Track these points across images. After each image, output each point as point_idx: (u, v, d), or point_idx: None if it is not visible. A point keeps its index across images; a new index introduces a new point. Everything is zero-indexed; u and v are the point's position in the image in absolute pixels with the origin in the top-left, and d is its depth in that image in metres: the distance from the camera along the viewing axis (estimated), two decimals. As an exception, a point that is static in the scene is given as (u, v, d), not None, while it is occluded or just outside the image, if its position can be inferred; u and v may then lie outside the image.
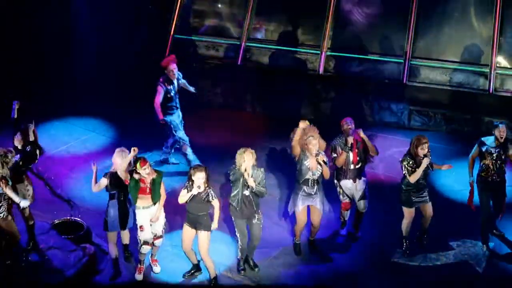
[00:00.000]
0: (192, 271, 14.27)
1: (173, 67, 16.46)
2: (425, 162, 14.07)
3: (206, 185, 13.56)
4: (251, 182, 13.57)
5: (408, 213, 14.62)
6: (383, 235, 15.34)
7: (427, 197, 14.56)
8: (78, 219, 15.11)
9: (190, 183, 13.51)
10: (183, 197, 13.57)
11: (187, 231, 13.83)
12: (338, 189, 14.88)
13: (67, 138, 18.37)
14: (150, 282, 14.04)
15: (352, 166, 14.61)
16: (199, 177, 13.48)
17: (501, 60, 18.93)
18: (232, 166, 13.81)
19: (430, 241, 15.06)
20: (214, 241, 14.05)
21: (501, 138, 14.39)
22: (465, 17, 19.47)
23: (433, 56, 19.42)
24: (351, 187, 14.76)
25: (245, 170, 13.56)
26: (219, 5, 20.78)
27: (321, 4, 19.81)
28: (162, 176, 14.02)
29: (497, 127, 14.43)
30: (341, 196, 14.92)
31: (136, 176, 13.80)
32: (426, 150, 14.12)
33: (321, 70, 19.60)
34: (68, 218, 15.24)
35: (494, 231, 15.03)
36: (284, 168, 16.65)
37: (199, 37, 20.36)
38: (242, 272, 14.35)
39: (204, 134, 18.51)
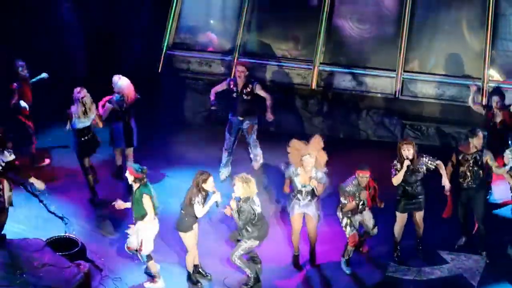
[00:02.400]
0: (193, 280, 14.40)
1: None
2: (405, 164, 14.25)
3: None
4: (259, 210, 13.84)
5: (399, 218, 14.83)
6: (380, 249, 15.37)
7: (420, 205, 14.72)
8: (73, 236, 15.09)
9: (201, 193, 13.64)
10: (201, 211, 13.74)
11: (189, 236, 14.02)
12: (344, 221, 14.55)
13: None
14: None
15: (361, 207, 14.56)
16: (211, 184, 13.62)
17: (493, 73, 18.97)
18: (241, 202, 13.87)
19: (424, 254, 15.14)
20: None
21: (479, 145, 14.58)
22: (456, 31, 19.51)
23: (426, 70, 19.45)
24: (358, 218, 14.67)
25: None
26: (212, 21, 20.78)
27: (314, 19, 19.82)
28: (149, 190, 13.75)
29: (476, 135, 14.53)
30: (348, 228, 14.52)
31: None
32: (410, 152, 14.28)
33: (313, 85, 19.59)
34: (63, 235, 15.24)
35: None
36: (276, 181, 16.65)
37: (192, 53, 20.32)
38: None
39: (201, 149, 18.63)
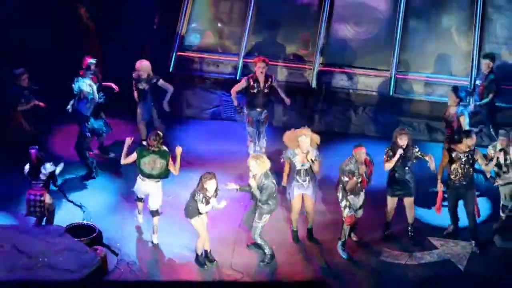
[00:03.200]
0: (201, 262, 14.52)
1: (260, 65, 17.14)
2: (399, 152, 14.54)
3: (216, 193, 13.96)
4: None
5: (389, 201, 15.06)
6: (374, 236, 15.46)
7: (410, 191, 14.89)
8: (90, 223, 15.18)
9: (204, 193, 13.83)
10: (204, 209, 13.96)
11: (199, 223, 14.21)
12: (344, 203, 14.61)
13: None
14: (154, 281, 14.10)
15: (359, 185, 14.69)
16: (212, 185, 13.74)
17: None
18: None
19: (415, 240, 15.24)
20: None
21: (472, 145, 14.69)
22: (446, 34, 19.56)
23: (418, 70, 19.47)
24: (355, 200, 14.80)
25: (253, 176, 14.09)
26: (219, 24, 20.80)
27: (314, 22, 19.86)
28: (168, 154, 15.02)
29: (470, 136, 14.67)
30: (347, 210, 14.60)
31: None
32: (405, 141, 14.57)
33: (313, 84, 19.64)
34: (81, 221, 15.34)
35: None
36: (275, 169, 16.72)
37: (200, 53, 20.36)
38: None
39: (209, 143, 18.66)
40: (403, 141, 14.62)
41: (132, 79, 17.78)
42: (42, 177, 14.65)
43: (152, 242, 15.14)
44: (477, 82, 17.84)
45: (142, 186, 15.06)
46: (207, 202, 13.87)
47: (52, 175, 14.75)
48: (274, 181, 14.20)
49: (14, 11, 19.97)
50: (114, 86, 17.89)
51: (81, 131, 16.83)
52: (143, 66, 17.69)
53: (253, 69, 17.80)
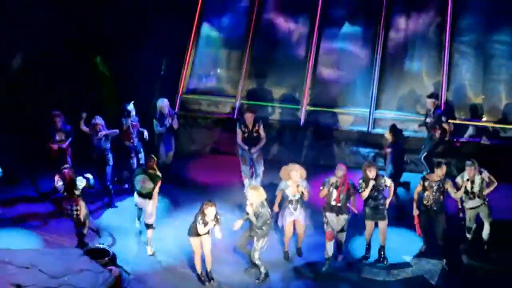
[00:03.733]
0: (201, 279, 14.54)
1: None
2: (371, 183, 14.63)
3: (216, 218, 13.98)
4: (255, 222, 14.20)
5: (367, 225, 15.12)
6: (358, 254, 15.51)
7: (383, 216, 14.94)
8: (105, 246, 15.20)
9: (203, 217, 13.88)
10: (202, 231, 13.99)
11: (195, 242, 14.27)
12: (324, 218, 14.92)
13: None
14: None
15: (334, 203, 14.76)
16: (211, 212, 13.80)
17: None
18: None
19: (393, 259, 15.21)
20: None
21: (442, 175, 14.77)
22: (418, 77, 19.71)
23: (393, 108, 19.56)
24: (333, 220, 14.86)
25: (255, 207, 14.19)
26: (218, 70, 20.94)
27: (301, 68, 20.02)
28: (156, 176, 15.29)
29: (440, 166, 14.81)
30: (325, 225, 14.90)
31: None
32: (373, 172, 14.67)
33: (301, 122, 19.76)
34: (97, 245, 15.35)
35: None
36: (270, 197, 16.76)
37: (202, 96, 20.46)
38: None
39: (209, 173, 18.74)
40: (372, 173, 14.75)
41: (156, 115, 17.96)
42: (77, 192, 14.93)
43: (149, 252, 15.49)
44: (427, 119, 17.86)
45: (137, 199, 15.52)
46: (205, 225, 13.91)
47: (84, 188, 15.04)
48: (269, 210, 14.31)
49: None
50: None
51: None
52: (165, 103, 17.95)
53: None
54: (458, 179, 15.31)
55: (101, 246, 15.20)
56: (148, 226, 15.42)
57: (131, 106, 17.55)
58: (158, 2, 20.52)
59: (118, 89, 20.68)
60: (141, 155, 17.76)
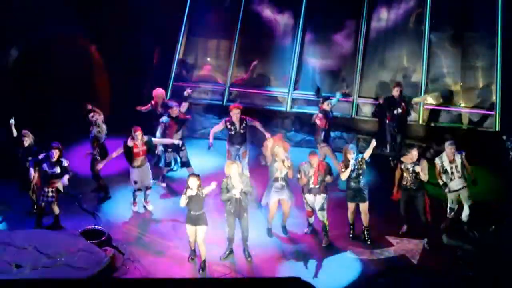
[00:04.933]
0: (191, 256, 14.43)
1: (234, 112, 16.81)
2: (351, 164, 14.63)
3: (199, 188, 13.76)
4: (240, 186, 14.00)
5: (349, 206, 15.10)
6: (343, 235, 15.40)
7: (364, 197, 14.90)
8: (101, 228, 15.11)
9: (185, 190, 13.67)
10: (183, 200, 13.76)
11: (190, 229, 14.05)
12: (304, 200, 14.98)
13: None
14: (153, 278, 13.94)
15: (312, 186, 14.75)
16: (193, 182, 13.64)
17: (428, 98, 19.00)
18: (224, 179, 14.12)
19: (376, 239, 15.15)
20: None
21: (414, 157, 14.76)
22: (399, 65, 19.62)
23: (375, 95, 19.47)
24: (312, 200, 14.88)
25: (233, 181, 14.05)
26: (208, 59, 20.82)
27: (287, 57, 19.91)
28: (151, 140, 15.75)
29: (410, 149, 14.88)
30: (305, 205, 15.03)
31: (130, 143, 15.39)
32: (352, 155, 14.65)
33: (288, 108, 19.62)
34: (93, 226, 15.25)
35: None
36: (258, 181, 16.73)
37: (192, 84, 20.32)
38: (222, 259, 14.51)
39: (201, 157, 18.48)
40: (351, 154, 14.69)
41: (151, 107, 17.77)
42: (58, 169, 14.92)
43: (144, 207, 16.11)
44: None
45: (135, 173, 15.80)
46: (186, 195, 13.71)
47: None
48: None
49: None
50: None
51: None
52: (160, 93, 17.76)
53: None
54: (437, 160, 15.22)
55: (96, 227, 15.14)
56: (148, 188, 15.96)
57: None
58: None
59: (111, 79, 20.57)
60: None
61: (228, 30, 20.52)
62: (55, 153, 14.85)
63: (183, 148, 16.99)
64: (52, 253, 13.60)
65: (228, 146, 16.96)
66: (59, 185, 15.05)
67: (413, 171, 14.73)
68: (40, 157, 14.97)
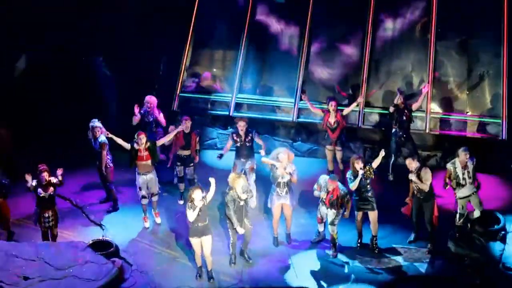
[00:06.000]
0: (199, 273, 14.40)
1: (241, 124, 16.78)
2: (360, 173, 14.72)
3: (203, 198, 13.86)
4: (244, 197, 14.20)
5: (357, 215, 15.19)
6: (350, 243, 15.47)
7: (372, 206, 14.99)
8: (108, 239, 15.15)
9: (192, 202, 13.67)
10: (192, 215, 13.79)
11: (196, 243, 14.08)
12: (318, 208, 15.14)
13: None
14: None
15: (324, 201, 14.89)
16: (198, 194, 13.66)
17: (434, 107, 19.04)
18: (227, 190, 14.33)
19: (383, 248, 15.20)
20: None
21: (413, 167, 14.86)
22: (405, 74, 19.60)
23: (381, 105, 19.47)
24: (324, 211, 15.01)
25: (238, 192, 14.19)
26: (214, 70, 20.86)
27: (294, 66, 19.91)
28: (155, 144, 15.71)
29: (407, 159, 15.03)
30: (317, 212, 15.17)
31: (135, 146, 15.46)
32: (361, 164, 14.76)
33: (294, 118, 19.65)
34: (101, 238, 15.30)
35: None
36: (262, 187, 16.83)
37: (199, 94, 20.37)
38: (233, 265, 14.65)
39: (206, 170, 18.49)
40: (359, 164, 14.76)
41: (143, 112, 17.84)
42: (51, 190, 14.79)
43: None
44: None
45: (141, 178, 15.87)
46: (193, 209, 13.76)
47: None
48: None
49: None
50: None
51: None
52: (153, 100, 17.87)
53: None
54: (449, 166, 15.25)
55: (104, 238, 15.18)
56: (154, 195, 15.97)
57: None
58: (156, 4, 20.38)
59: (118, 90, 20.64)
60: None
61: (234, 41, 20.55)
62: (45, 176, 14.63)
63: (191, 165, 16.96)
64: (60, 265, 13.66)
65: (235, 158, 16.96)
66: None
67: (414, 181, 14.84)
68: (29, 186, 14.63)
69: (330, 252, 15.08)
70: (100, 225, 16.07)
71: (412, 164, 14.82)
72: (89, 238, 15.16)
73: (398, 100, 17.56)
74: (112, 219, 16.44)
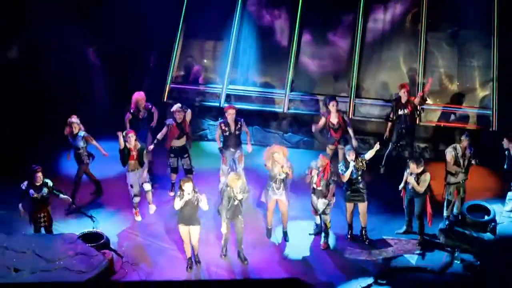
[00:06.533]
0: (189, 265, 14.48)
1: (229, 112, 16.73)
2: (351, 165, 14.77)
3: (194, 192, 13.78)
4: (241, 197, 14.19)
5: (347, 206, 15.27)
6: (341, 236, 15.52)
7: (362, 198, 15.05)
8: (99, 231, 15.16)
9: (181, 192, 13.71)
10: (178, 203, 13.83)
11: (183, 230, 14.18)
12: (310, 199, 15.15)
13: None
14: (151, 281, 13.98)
15: (314, 186, 14.86)
16: (188, 187, 13.67)
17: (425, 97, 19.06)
18: (223, 187, 14.31)
19: (374, 239, 15.28)
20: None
21: (414, 170, 14.85)
22: (396, 65, 19.63)
23: (372, 96, 19.49)
24: (315, 201, 15.01)
25: (235, 192, 14.16)
26: (205, 60, 20.83)
27: (284, 58, 19.90)
28: (144, 148, 15.79)
29: (409, 166, 14.96)
30: (310, 205, 15.17)
31: (127, 144, 15.46)
32: (352, 156, 14.84)
33: (285, 109, 19.66)
34: (91, 230, 15.30)
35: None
36: (255, 182, 16.79)
37: (189, 85, 20.36)
38: (223, 256, 14.72)
39: (196, 161, 18.46)
40: (351, 156, 14.82)
41: (130, 111, 17.47)
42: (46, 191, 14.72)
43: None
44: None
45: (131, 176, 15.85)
46: (180, 198, 13.84)
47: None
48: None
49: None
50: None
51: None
52: (141, 96, 17.52)
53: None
54: (450, 150, 15.43)
55: (95, 230, 15.19)
56: (147, 190, 15.92)
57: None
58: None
59: (107, 82, 20.62)
60: None
61: (225, 31, 20.52)
62: (39, 177, 14.50)
63: (185, 156, 16.94)
64: (51, 257, 13.67)
65: (224, 149, 16.92)
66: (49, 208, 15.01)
67: (417, 180, 14.86)
68: (23, 187, 14.58)
69: (321, 242, 15.13)
70: (91, 217, 16.06)
71: (415, 169, 14.80)
72: (79, 230, 15.14)
73: (403, 93, 17.42)
74: (102, 211, 16.44)
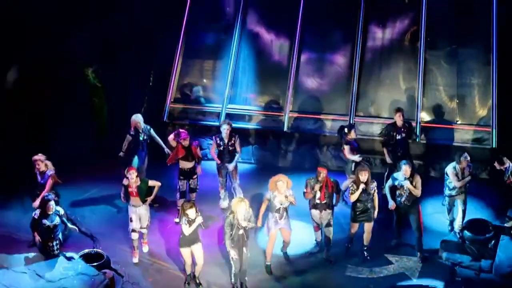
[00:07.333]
0: (187, 281, 14.50)
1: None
2: (361, 187, 14.67)
3: (197, 214, 13.91)
4: (245, 224, 13.84)
5: (352, 226, 15.18)
6: (342, 253, 15.52)
7: (369, 217, 14.99)
8: (100, 250, 15.16)
9: (186, 217, 13.73)
10: (188, 229, 13.89)
11: (186, 252, 14.14)
12: (311, 215, 15.12)
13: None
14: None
15: (318, 201, 14.88)
16: (192, 212, 13.75)
17: (424, 116, 19.18)
18: (228, 214, 14.07)
19: (375, 257, 15.26)
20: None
21: (406, 174, 14.94)
22: (395, 83, 19.75)
23: (371, 114, 19.61)
24: (318, 216, 15.01)
25: (239, 218, 13.83)
26: (205, 80, 20.93)
27: (284, 77, 20.02)
28: (146, 183, 15.16)
29: (400, 168, 15.08)
30: (312, 221, 15.17)
31: (125, 182, 15.04)
32: (365, 177, 14.68)
33: (285, 128, 19.75)
34: (92, 249, 15.30)
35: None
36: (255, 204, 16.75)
37: (189, 105, 20.43)
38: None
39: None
40: (363, 177, 14.73)
41: (130, 133, 17.50)
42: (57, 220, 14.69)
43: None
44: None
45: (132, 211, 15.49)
46: (190, 224, 13.85)
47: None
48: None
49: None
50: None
51: None
52: (139, 118, 17.52)
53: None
54: (451, 169, 15.52)
55: (95, 250, 15.18)
56: (143, 228, 15.52)
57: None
58: (146, 15, 20.44)
59: (107, 100, 20.68)
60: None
61: (224, 51, 20.64)
62: (51, 206, 14.42)
63: (194, 177, 16.93)
64: (52, 277, 13.63)
65: (219, 165, 17.05)
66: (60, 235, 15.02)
67: (407, 187, 14.92)
68: (35, 216, 14.49)
69: (324, 256, 15.23)
70: (92, 237, 16.05)
71: (408, 170, 14.89)
72: (80, 249, 15.14)
73: (398, 118, 17.44)
74: (103, 231, 16.40)
